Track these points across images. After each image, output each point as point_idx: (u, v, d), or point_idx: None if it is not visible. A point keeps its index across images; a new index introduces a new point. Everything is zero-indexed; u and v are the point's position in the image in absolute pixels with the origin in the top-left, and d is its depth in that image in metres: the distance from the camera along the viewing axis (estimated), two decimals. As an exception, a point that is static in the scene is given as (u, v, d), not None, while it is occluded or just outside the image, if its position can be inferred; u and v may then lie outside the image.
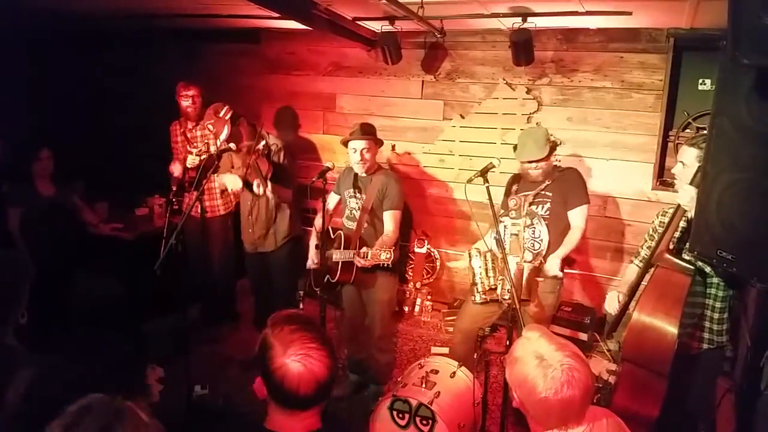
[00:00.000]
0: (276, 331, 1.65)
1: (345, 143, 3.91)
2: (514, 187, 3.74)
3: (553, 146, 3.60)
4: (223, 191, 4.79)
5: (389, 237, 3.74)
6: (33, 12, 4.94)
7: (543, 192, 3.60)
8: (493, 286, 3.43)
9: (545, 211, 3.61)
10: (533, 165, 3.57)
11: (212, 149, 4.29)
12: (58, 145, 4.55)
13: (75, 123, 5.80)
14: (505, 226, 3.60)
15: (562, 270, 3.55)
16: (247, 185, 4.15)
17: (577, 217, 3.62)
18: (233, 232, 4.91)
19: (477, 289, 3.50)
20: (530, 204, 3.60)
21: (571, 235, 3.60)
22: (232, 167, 4.27)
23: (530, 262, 3.43)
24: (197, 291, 5.06)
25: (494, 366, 4.02)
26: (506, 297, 3.26)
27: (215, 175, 4.38)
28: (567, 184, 3.63)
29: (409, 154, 5.53)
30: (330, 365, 1.63)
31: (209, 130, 4.04)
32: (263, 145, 4.06)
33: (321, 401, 1.66)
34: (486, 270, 3.46)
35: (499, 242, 3.11)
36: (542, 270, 3.47)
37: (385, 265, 3.60)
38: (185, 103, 4.79)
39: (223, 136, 3.93)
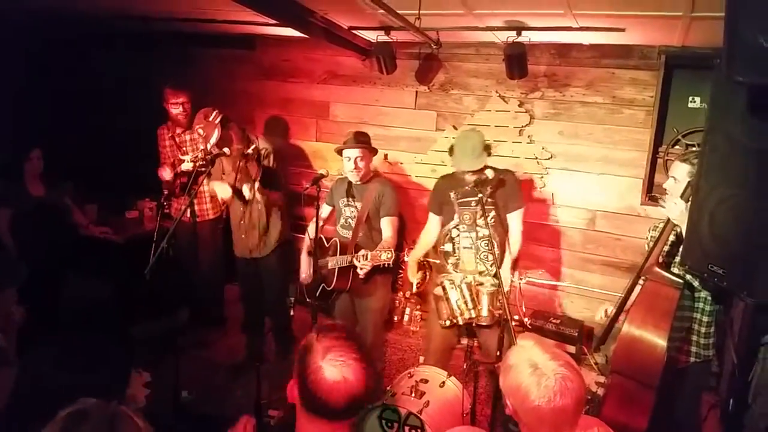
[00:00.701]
0: (320, 336, 1.62)
1: (339, 152, 3.92)
2: (452, 194, 3.66)
3: (488, 152, 3.57)
4: (213, 196, 4.78)
5: (388, 242, 3.75)
6: (28, 14, 4.94)
7: (488, 199, 3.56)
8: (472, 317, 3.42)
9: (491, 219, 3.58)
10: (469, 173, 3.55)
11: (206, 154, 4.28)
12: (50, 146, 4.53)
13: (67, 124, 5.78)
14: (453, 238, 3.64)
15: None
16: (238, 193, 4.14)
17: (517, 220, 3.67)
18: (222, 237, 4.90)
19: (448, 316, 3.49)
20: (479, 215, 3.57)
21: (514, 240, 3.66)
22: (223, 173, 4.26)
23: (489, 275, 3.50)
24: (186, 295, 5.04)
25: (482, 377, 4.03)
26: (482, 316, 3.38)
27: (206, 179, 4.39)
28: (506, 188, 3.62)
29: (401, 163, 5.55)
30: (367, 381, 1.57)
31: (199, 134, 4.03)
32: (253, 149, 4.05)
33: (351, 416, 1.61)
34: (465, 302, 3.43)
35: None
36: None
37: (386, 266, 3.59)
38: (175, 110, 4.79)
39: (213, 140, 3.93)
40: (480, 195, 3.43)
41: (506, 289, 3.46)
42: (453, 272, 3.60)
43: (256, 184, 4.00)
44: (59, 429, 1.26)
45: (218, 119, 3.95)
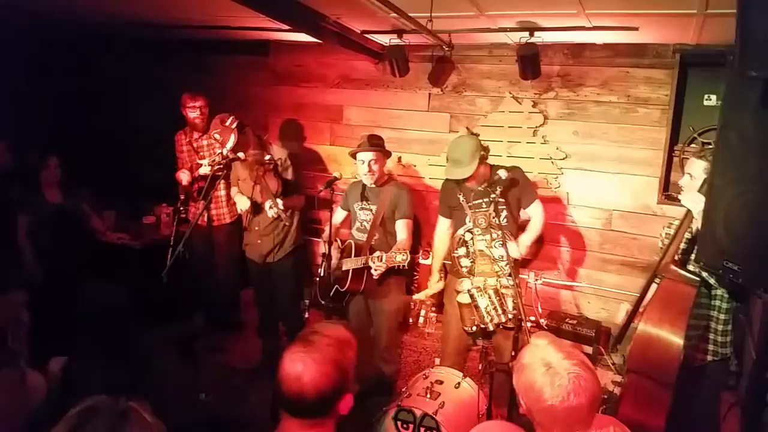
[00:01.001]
0: (308, 332, 1.68)
1: (353, 155, 3.93)
2: (460, 196, 3.66)
3: (484, 155, 3.55)
4: (230, 199, 4.82)
5: (403, 244, 3.75)
6: (45, 21, 5.02)
7: (499, 200, 3.52)
8: (502, 321, 3.37)
9: (503, 220, 3.58)
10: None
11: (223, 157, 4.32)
12: (67, 154, 4.58)
13: (83, 131, 5.85)
14: (467, 242, 3.63)
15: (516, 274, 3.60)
16: (255, 205, 4.17)
17: (536, 210, 3.68)
18: (239, 241, 4.94)
19: (474, 322, 3.46)
20: (493, 217, 3.55)
21: (534, 223, 3.68)
22: (239, 179, 4.30)
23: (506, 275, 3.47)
24: (202, 299, 5.09)
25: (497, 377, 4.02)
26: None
27: (223, 184, 4.42)
28: (515, 186, 3.61)
29: (415, 166, 5.56)
30: (320, 385, 1.57)
31: (215, 139, 4.06)
32: (269, 159, 4.06)
33: (302, 414, 1.62)
34: (495, 308, 3.39)
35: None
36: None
37: (400, 267, 3.59)
38: (192, 114, 4.83)
39: (229, 145, 3.96)
40: (493, 195, 3.43)
41: (515, 254, 3.53)
42: (469, 277, 3.58)
43: (279, 202, 4.01)
44: (70, 427, 1.27)
45: (235, 125, 3.99)
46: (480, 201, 3.61)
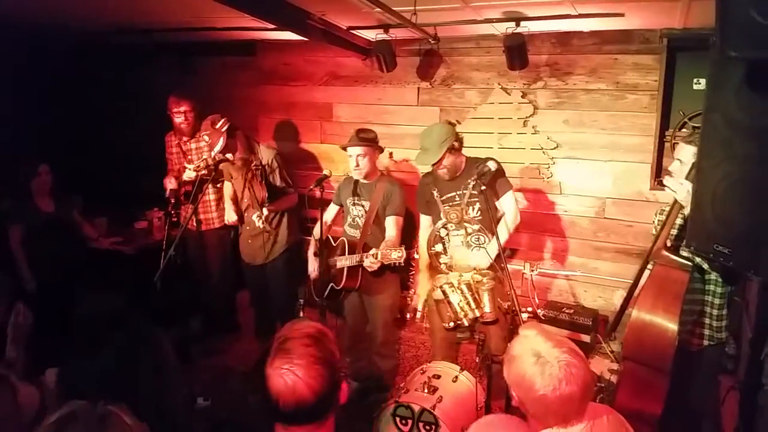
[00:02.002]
0: (279, 337, 1.62)
1: (345, 149, 3.92)
2: (435, 191, 3.65)
3: (456, 144, 3.50)
4: (219, 204, 4.79)
5: (392, 241, 3.74)
6: (29, 28, 4.99)
7: (471, 192, 3.51)
8: (476, 316, 3.38)
9: (477, 213, 3.55)
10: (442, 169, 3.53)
11: (209, 161, 4.29)
12: (56, 161, 4.56)
13: (72, 138, 5.83)
14: (442, 238, 3.62)
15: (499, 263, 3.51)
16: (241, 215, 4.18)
17: (509, 202, 3.60)
18: (230, 244, 4.92)
19: (450, 318, 3.47)
20: (466, 212, 3.54)
21: (510, 219, 3.59)
22: (232, 177, 4.29)
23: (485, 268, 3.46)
24: (198, 303, 5.08)
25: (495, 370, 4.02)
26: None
27: (210, 188, 4.41)
28: (489, 177, 3.50)
29: (407, 161, 5.54)
30: (316, 388, 1.54)
31: (204, 140, 4.04)
32: (255, 166, 4.04)
33: (306, 420, 1.59)
34: (467, 302, 3.39)
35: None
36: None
37: (396, 264, 3.57)
38: (178, 119, 4.77)
39: (218, 147, 3.94)
40: (466, 190, 3.46)
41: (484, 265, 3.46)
42: (448, 273, 3.56)
43: (264, 211, 4.00)
44: None
45: (225, 127, 3.96)
46: (453, 194, 3.59)
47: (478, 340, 3.21)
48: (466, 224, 3.54)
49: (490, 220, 3.45)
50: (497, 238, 3.30)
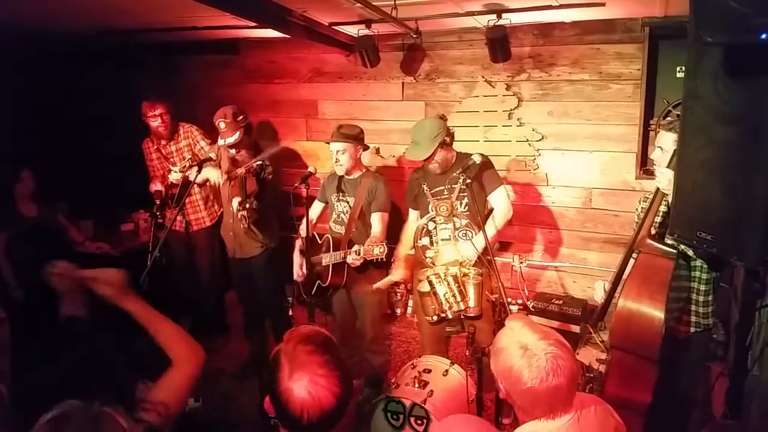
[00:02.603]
0: (288, 350, 1.57)
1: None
2: (424, 186, 3.65)
3: (447, 138, 3.51)
4: (207, 202, 4.76)
5: (377, 237, 3.73)
6: (11, 32, 4.93)
7: (461, 187, 3.51)
8: (461, 309, 3.40)
9: (464, 208, 3.55)
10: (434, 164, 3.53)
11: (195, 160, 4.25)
12: (39, 166, 4.52)
13: (55, 142, 5.77)
14: (430, 231, 3.62)
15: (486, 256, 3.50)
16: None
17: (499, 197, 3.59)
18: (219, 244, 4.89)
19: (435, 311, 3.48)
20: (455, 207, 3.54)
21: (500, 215, 3.58)
22: (220, 167, 4.23)
23: (471, 263, 3.46)
24: (187, 304, 5.05)
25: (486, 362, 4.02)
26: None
27: (196, 188, 4.36)
28: (478, 172, 3.54)
29: (394, 156, 5.54)
30: (339, 393, 1.52)
31: (219, 127, 3.95)
32: (257, 165, 3.99)
33: (328, 429, 1.56)
34: (453, 294, 3.41)
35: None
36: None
37: (379, 260, 3.56)
38: (154, 122, 4.70)
39: (230, 140, 3.91)
40: (455, 184, 3.46)
41: (471, 256, 3.45)
42: (433, 266, 3.56)
43: (254, 202, 3.94)
44: None
45: (245, 123, 3.94)
46: (442, 188, 3.59)
47: (468, 333, 3.21)
48: (454, 218, 3.54)
49: (476, 215, 3.44)
50: (484, 233, 3.29)
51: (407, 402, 3.11)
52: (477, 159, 3.37)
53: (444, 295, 3.41)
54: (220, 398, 4.11)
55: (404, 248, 3.89)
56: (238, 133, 3.94)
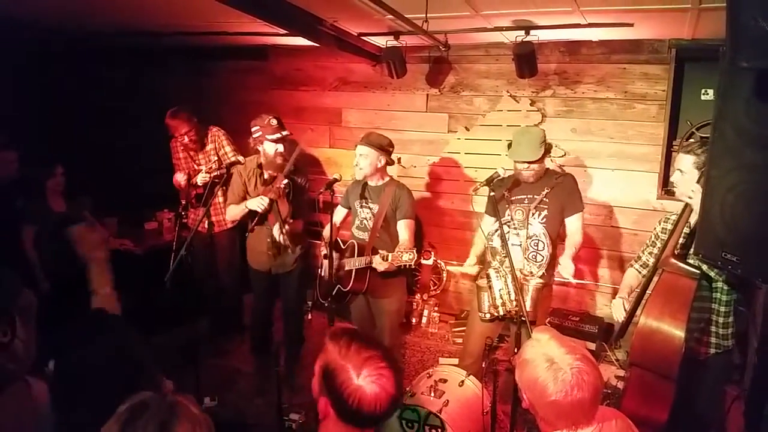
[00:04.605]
0: (344, 353, 1.63)
1: None
2: (506, 192, 3.64)
3: (548, 148, 3.55)
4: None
5: (405, 245, 3.73)
6: (43, 31, 5.04)
7: (543, 199, 3.55)
8: (515, 308, 3.33)
9: (542, 219, 3.57)
10: (525, 166, 3.53)
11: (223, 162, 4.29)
12: (66, 162, 4.59)
13: (83, 139, 5.87)
14: (503, 234, 3.59)
15: (552, 272, 3.58)
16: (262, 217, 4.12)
17: (575, 223, 3.60)
18: (240, 246, 4.95)
19: (488, 307, 3.48)
20: (532, 214, 3.56)
21: (572, 238, 3.57)
22: (246, 190, 4.23)
23: (536, 276, 3.43)
24: (205, 304, 5.11)
25: (501, 375, 4.02)
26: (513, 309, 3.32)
27: (221, 190, 4.41)
28: (564, 192, 3.58)
29: (415, 167, 5.58)
30: (398, 379, 1.63)
31: (271, 125, 3.98)
32: (285, 185, 4.00)
33: (390, 415, 1.65)
34: (508, 292, 3.39)
35: (506, 252, 3.14)
36: (557, 271, 3.48)
37: (406, 267, 3.58)
38: (183, 141, 4.77)
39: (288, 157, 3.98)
40: (537, 195, 3.50)
41: (569, 275, 3.41)
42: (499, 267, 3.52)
43: (285, 227, 3.95)
44: (123, 421, 1.27)
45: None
46: (523, 196, 3.61)
47: (486, 345, 3.22)
48: (529, 226, 3.56)
49: (553, 229, 3.53)
50: (566, 256, 3.37)
51: (423, 410, 3.12)
52: (550, 165, 3.40)
53: (499, 291, 3.40)
54: (236, 398, 4.15)
55: (477, 247, 3.86)
56: (297, 149, 4.00)
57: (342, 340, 1.67)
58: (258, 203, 3.90)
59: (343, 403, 1.59)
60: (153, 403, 1.31)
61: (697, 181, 2.68)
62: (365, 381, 1.57)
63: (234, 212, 4.14)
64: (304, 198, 4.20)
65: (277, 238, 3.94)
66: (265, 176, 4.03)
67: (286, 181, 3.96)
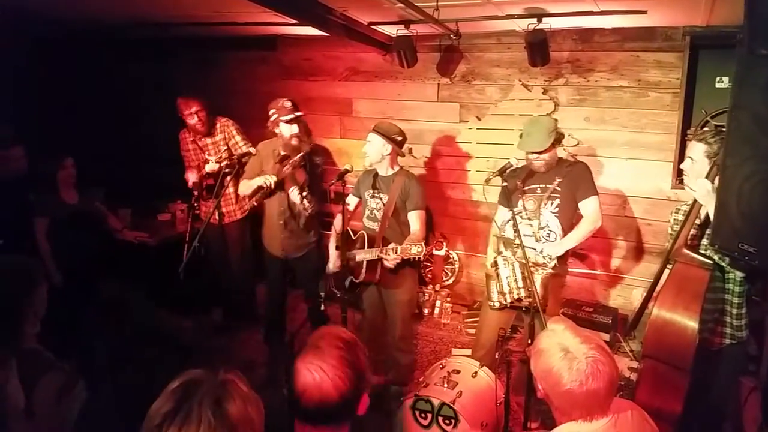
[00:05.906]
0: (315, 338, 1.69)
1: None
2: (519, 182, 3.63)
3: (559, 137, 3.52)
4: (238, 196, 4.80)
5: (417, 236, 3.74)
6: (53, 22, 5.04)
7: (555, 188, 3.52)
8: (520, 296, 3.31)
9: (555, 208, 3.54)
10: (535, 156, 3.50)
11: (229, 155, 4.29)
12: (79, 154, 4.61)
13: (95, 131, 5.89)
14: (515, 224, 3.57)
15: (565, 262, 3.53)
16: (272, 202, 4.15)
17: (591, 206, 3.53)
18: (251, 236, 4.96)
19: (497, 295, 3.45)
20: (544, 204, 3.54)
21: (580, 225, 3.53)
22: (263, 167, 4.25)
23: (547, 266, 3.40)
24: (218, 294, 5.14)
25: (515, 366, 4.02)
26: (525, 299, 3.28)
27: (232, 181, 4.42)
28: (575, 179, 3.54)
29: (427, 157, 5.56)
30: (343, 389, 1.60)
31: (285, 107, 4.00)
32: (300, 157, 4.02)
33: (326, 421, 1.64)
34: (515, 279, 3.35)
35: (520, 242, 3.12)
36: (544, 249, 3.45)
37: (416, 259, 3.56)
38: (191, 120, 4.77)
39: (296, 129, 4.01)
40: (550, 185, 3.48)
41: (551, 252, 3.41)
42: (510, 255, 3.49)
43: (305, 192, 3.98)
44: (177, 399, 1.28)
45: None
46: (536, 186, 3.59)
47: (498, 336, 3.22)
48: (540, 216, 3.54)
49: (566, 219, 3.51)
50: (567, 237, 3.36)
51: (436, 401, 3.13)
52: (562, 154, 3.37)
53: (507, 278, 3.37)
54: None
55: (494, 245, 3.83)
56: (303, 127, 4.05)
57: (325, 333, 1.72)
58: (264, 180, 3.99)
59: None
60: (206, 380, 1.32)
61: (707, 175, 2.65)
62: (306, 365, 1.61)
63: (244, 188, 4.21)
64: (318, 174, 4.25)
65: (297, 201, 3.99)
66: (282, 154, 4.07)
67: (301, 153, 4.00)
